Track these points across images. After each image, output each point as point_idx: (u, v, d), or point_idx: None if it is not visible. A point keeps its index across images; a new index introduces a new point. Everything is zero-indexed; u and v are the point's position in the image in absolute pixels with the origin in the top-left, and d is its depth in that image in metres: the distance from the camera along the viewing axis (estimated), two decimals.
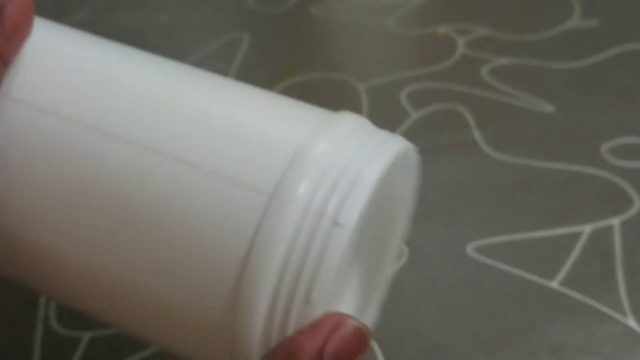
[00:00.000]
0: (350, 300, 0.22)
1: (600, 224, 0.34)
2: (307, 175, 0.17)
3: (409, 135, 0.42)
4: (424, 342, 0.29)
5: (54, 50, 0.21)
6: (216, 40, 0.56)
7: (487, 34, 0.53)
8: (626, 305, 0.30)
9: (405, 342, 0.29)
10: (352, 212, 0.17)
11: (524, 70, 0.48)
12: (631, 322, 0.29)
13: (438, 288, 0.31)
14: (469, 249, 0.34)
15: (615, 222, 0.34)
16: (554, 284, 0.31)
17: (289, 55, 0.54)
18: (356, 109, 0.46)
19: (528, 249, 0.33)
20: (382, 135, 0.20)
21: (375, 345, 0.29)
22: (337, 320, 0.17)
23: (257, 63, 0.53)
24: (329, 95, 0.47)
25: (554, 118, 0.43)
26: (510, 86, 0.46)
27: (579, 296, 0.31)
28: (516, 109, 0.44)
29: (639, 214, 0.35)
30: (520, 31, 0.53)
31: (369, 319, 0.23)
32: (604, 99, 0.44)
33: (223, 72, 0.51)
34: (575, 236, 0.34)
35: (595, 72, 0.47)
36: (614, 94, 0.45)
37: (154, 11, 0.63)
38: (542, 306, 0.30)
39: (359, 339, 0.17)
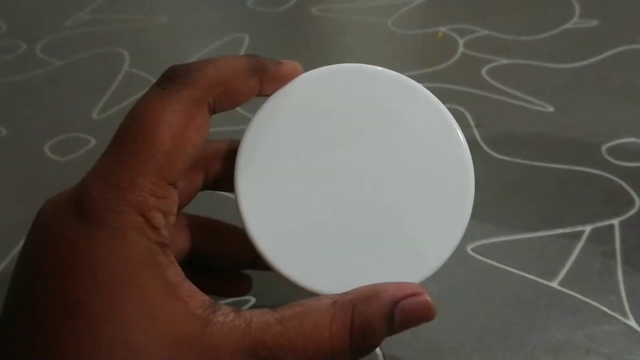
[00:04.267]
0: None
1: (600, 224, 0.34)
2: None
3: None
4: (424, 342, 0.29)
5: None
6: (216, 40, 0.56)
7: (487, 34, 0.53)
8: (626, 305, 0.30)
9: (405, 342, 0.29)
10: None
11: (524, 70, 0.48)
12: (631, 322, 0.29)
13: (438, 288, 0.31)
14: (469, 249, 0.34)
15: (616, 222, 0.34)
16: (554, 284, 0.31)
17: (289, 55, 0.54)
18: None
19: (528, 249, 0.33)
20: None
21: None
22: (417, 289, 0.21)
23: None
24: None
25: (554, 118, 0.43)
26: (510, 86, 0.46)
27: (579, 296, 0.31)
28: (516, 109, 0.44)
29: (639, 214, 0.35)
30: (520, 31, 0.53)
31: None
32: (604, 99, 0.44)
33: None
34: (576, 236, 0.34)
35: (595, 72, 0.47)
36: (614, 94, 0.45)
37: (154, 11, 0.63)
38: (542, 306, 0.30)
39: (427, 312, 0.21)
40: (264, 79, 0.23)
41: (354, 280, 0.21)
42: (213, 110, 0.22)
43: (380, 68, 0.25)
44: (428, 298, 0.21)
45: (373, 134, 0.24)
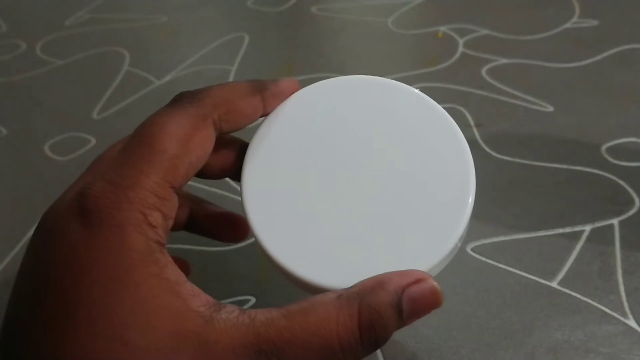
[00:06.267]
0: None
1: (600, 223, 0.34)
2: None
3: None
4: (424, 342, 0.29)
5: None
6: (216, 40, 0.56)
7: (487, 34, 0.53)
8: (626, 305, 0.30)
9: (405, 343, 0.29)
10: None
11: (524, 70, 0.48)
12: (631, 322, 0.29)
13: None
14: (469, 249, 0.34)
15: (615, 222, 0.34)
16: (554, 284, 0.31)
17: (289, 54, 0.54)
18: None
19: (528, 248, 0.33)
20: None
21: None
22: (422, 275, 0.21)
23: (257, 62, 0.53)
24: None
25: (554, 118, 0.43)
26: (510, 86, 0.46)
27: (578, 296, 0.31)
28: (516, 109, 0.44)
29: (639, 213, 0.35)
30: (520, 31, 0.53)
31: None
32: (604, 99, 0.44)
33: (223, 71, 0.52)
34: (575, 236, 0.34)
35: (595, 72, 0.47)
36: (614, 94, 0.45)
37: (154, 11, 0.63)
38: (542, 306, 0.30)
39: (434, 298, 0.21)
40: (266, 97, 0.25)
41: (360, 274, 0.22)
42: (220, 128, 0.23)
43: (372, 77, 0.27)
44: (434, 283, 0.21)
45: (373, 135, 0.25)
